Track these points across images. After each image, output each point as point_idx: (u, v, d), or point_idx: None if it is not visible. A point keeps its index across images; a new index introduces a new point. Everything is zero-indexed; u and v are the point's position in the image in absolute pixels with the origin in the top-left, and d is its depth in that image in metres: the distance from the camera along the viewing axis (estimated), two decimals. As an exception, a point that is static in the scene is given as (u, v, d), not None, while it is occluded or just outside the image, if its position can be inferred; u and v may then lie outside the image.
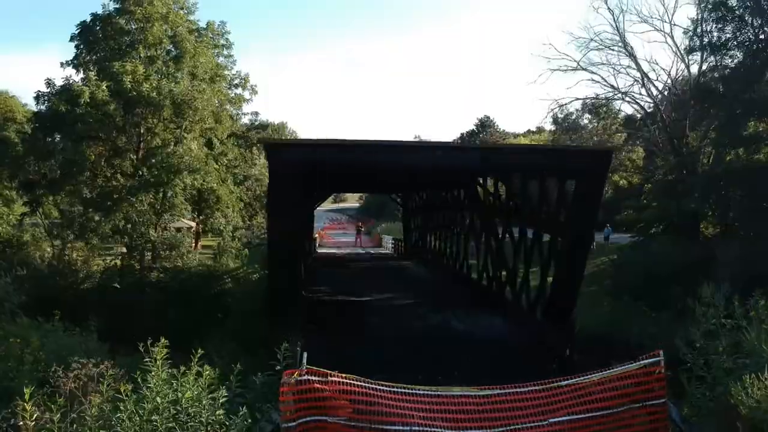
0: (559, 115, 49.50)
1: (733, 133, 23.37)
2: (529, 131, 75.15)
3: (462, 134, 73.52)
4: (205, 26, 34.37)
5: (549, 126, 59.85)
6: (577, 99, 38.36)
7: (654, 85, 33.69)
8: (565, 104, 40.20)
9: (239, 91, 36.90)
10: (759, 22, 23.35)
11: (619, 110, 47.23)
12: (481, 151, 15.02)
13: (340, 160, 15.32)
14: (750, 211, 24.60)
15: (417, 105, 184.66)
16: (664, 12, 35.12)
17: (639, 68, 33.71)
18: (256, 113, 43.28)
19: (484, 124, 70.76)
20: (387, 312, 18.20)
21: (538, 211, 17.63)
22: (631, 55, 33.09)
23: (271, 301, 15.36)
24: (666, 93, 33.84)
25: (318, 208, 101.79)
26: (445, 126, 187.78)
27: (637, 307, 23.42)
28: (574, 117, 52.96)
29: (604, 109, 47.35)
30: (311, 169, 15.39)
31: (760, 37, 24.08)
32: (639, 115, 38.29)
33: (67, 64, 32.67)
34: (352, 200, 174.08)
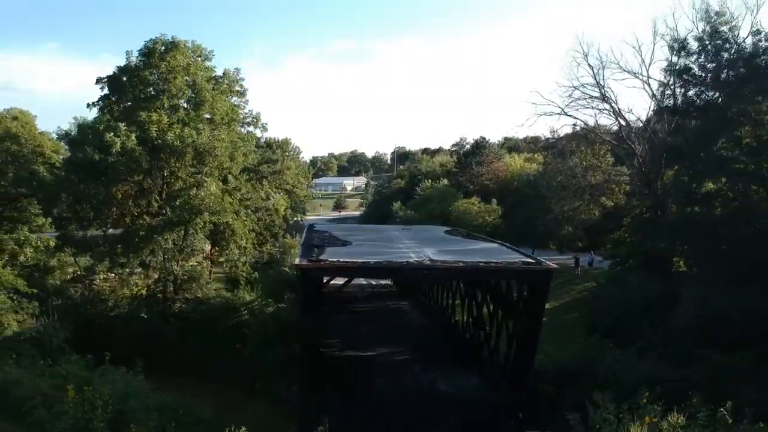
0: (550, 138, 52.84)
1: (692, 189, 26.59)
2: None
3: (458, 154, 76.67)
4: (221, 74, 37.50)
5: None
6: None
7: (632, 132, 37.01)
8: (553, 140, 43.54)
9: (251, 128, 40.12)
10: (714, 94, 26.58)
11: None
12: (450, 271, 18.26)
13: (346, 274, 19.82)
14: (709, 255, 27.76)
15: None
16: (640, 63, 38.29)
17: (617, 115, 37.07)
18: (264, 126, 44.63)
19: (479, 145, 73.84)
20: (387, 369, 21.92)
21: (503, 299, 21.50)
22: (610, 105, 36.42)
23: (302, 374, 19.16)
24: (643, 137, 37.05)
25: (321, 216, 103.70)
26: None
27: (606, 343, 26.66)
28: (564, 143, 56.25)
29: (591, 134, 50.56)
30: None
31: (718, 102, 27.26)
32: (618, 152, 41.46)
33: (93, 105, 36.03)
34: (353, 207, 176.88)
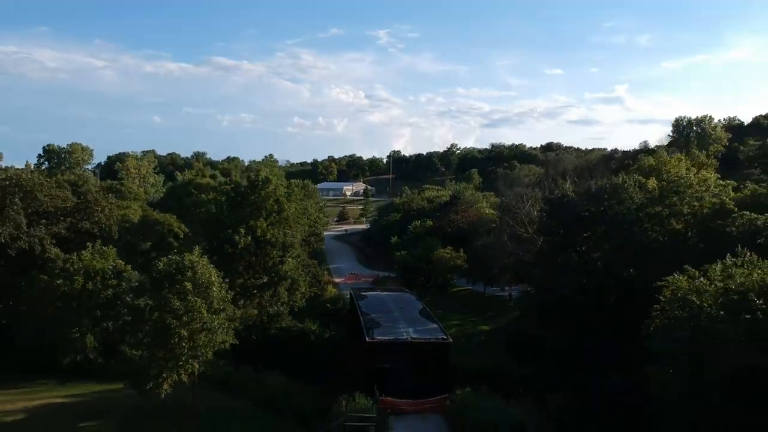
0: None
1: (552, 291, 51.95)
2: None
3: (438, 203, 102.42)
4: (293, 189, 62.76)
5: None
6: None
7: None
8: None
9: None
10: (560, 230, 51.85)
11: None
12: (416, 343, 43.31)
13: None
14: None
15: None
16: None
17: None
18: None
19: (455, 198, 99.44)
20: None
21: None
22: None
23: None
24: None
25: (329, 232, 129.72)
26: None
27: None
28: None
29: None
30: None
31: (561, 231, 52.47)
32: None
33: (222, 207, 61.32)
34: (353, 214, 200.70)
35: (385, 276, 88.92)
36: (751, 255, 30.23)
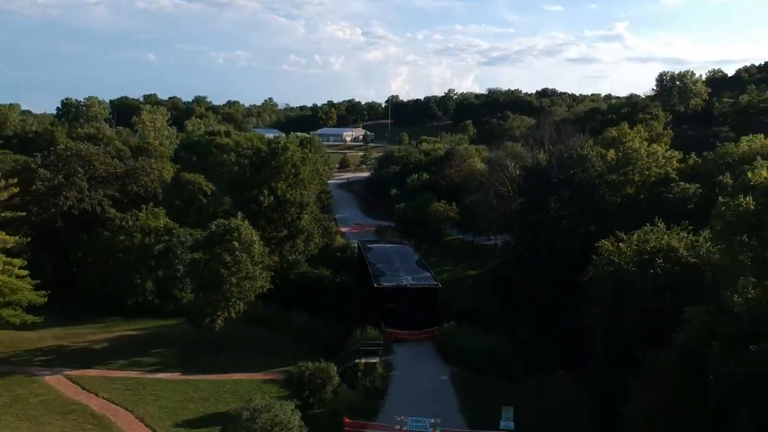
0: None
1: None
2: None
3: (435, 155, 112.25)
4: (307, 155, 72.33)
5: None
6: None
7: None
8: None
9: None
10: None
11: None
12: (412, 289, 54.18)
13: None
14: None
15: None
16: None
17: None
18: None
19: (449, 153, 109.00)
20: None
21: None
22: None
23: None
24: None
25: (333, 180, 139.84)
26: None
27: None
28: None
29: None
30: None
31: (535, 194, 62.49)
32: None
33: (249, 169, 71.12)
34: (354, 161, 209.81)
35: (386, 225, 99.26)
36: (661, 224, 40.31)
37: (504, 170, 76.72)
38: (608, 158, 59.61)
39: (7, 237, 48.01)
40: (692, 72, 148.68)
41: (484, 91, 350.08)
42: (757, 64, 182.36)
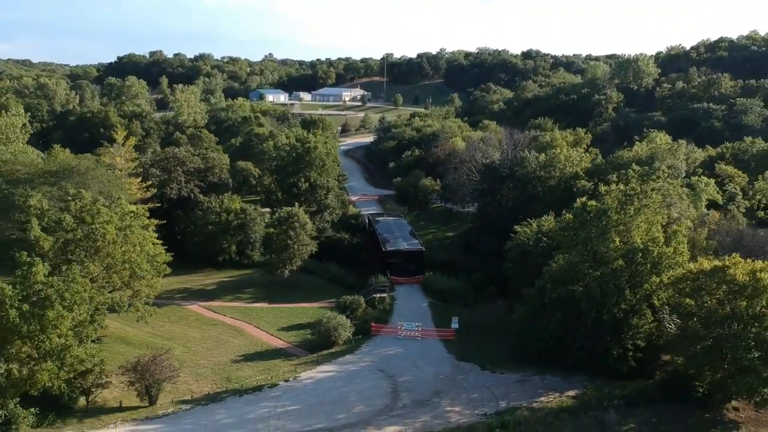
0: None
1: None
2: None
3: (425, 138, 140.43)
4: (330, 149, 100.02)
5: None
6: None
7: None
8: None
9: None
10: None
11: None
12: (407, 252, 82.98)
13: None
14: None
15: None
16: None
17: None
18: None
19: (435, 135, 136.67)
20: None
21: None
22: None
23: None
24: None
25: (341, 147, 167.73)
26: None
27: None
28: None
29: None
30: None
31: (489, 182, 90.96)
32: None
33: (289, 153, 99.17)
34: (354, 124, 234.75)
35: (386, 194, 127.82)
36: (555, 214, 69.14)
37: (473, 161, 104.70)
38: (540, 159, 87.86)
39: (150, 221, 76.38)
40: (645, 54, 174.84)
41: (474, 50, 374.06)
42: (709, 41, 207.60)
